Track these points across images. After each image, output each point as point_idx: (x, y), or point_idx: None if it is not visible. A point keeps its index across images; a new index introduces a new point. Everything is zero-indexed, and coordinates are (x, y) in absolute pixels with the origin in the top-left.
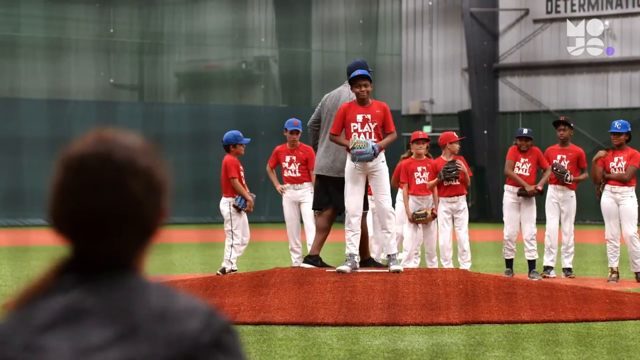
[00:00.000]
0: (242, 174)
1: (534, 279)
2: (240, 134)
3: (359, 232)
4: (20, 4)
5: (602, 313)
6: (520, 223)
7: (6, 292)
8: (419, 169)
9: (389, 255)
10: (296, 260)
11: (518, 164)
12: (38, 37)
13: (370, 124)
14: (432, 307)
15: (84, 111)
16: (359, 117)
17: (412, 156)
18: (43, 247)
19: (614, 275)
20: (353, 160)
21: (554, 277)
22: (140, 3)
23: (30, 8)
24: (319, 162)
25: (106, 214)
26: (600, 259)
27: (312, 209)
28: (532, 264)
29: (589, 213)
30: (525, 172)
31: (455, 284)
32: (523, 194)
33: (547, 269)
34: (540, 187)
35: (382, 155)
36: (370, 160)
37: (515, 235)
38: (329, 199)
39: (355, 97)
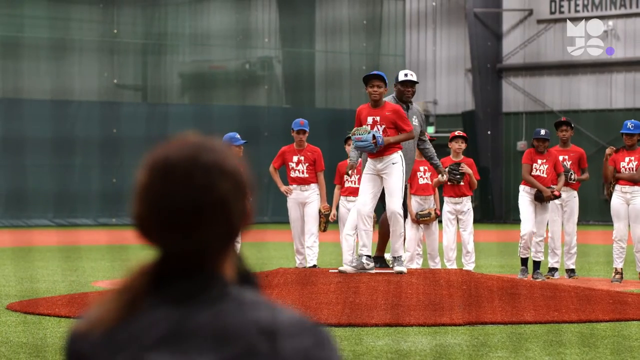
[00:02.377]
0: None
1: (537, 279)
2: (237, 135)
3: (369, 229)
4: (24, 4)
5: (605, 314)
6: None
7: (9, 293)
8: (422, 169)
9: (394, 257)
10: (300, 261)
11: (535, 165)
12: (41, 38)
13: (379, 126)
14: (436, 308)
15: (88, 112)
16: (369, 119)
17: (416, 156)
18: (46, 248)
19: (617, 276)
20: (355, 148)
21: (558, 279)
22: (144, 3)
23: (33, 9)
24: None
25: (194, 215)
26: (603, 260)
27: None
28: (537, 264)
29: (591, 213)
30: (543, 173)
31: (459, 285)
32: (540, 198)
33: (552, 270)
34: (557, 192)
35: (394, 157)
36: (371, 151)
37: (532, 234)
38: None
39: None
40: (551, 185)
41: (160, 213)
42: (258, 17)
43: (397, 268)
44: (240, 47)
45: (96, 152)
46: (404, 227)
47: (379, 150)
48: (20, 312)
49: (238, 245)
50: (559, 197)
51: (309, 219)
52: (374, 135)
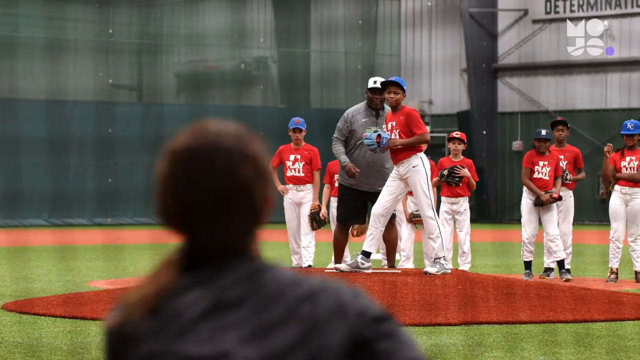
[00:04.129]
0: None
1: (568, 279)
2: None
3: (375, 232)
4: (19, 4)
5: (600, 313)
6: (538, 225)
7: (5, 293)
8: None
9: (434, 259)
10: (297, 261)
11: (537, 167)
12: (37, 38)
13: (395, 130)
14: (431, 308)
15: (83, 112)
16: (389, 125)
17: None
18: (41, 248)
19: (612, 276)
20: (365, 145)
21: (554, 278)
22: (140, 3)
23: (29, 8)
24: None
25: (219, 200)
26: (599, 260)
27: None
28: (560, 264)
29: (587, 213)
30: (545, 175)
31: (454, 285)
32: (539, 203)
33: (547, 270)
34: (556, 195)
35: (413, 160)
36: (375, 150)
37: (534, 237)
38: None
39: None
40: (550, 190)
41: (185, 202)
42: (253, 17)
43: (430, 269)
44: (235, 47)
45: (91, 152)
46: (438, 228)
47: (397, 154)
48: (15, 312)
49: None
50: (558, 199)
51: (305, 219)
52: (379, 134)
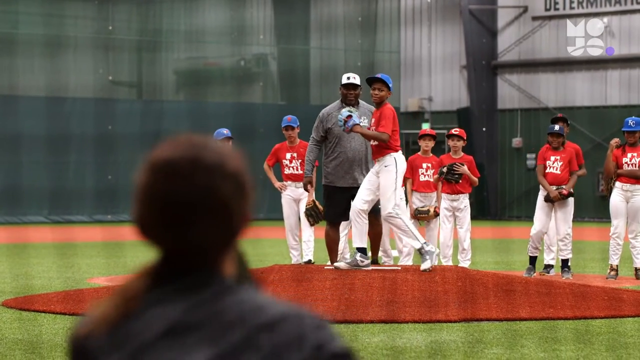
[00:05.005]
0: None
1: (567, 278)
2: (221, 131)
3: (359, 226)
4: (19, 1)
5: (600, 310)
6: (548, 222)
7: (5, 290)
8: (424, 165)
9: (420, 252)
10: (297, 258)
11: (549, 162)
12: (36, 35)
13: (372, 127)
14: (431, 305)
15: (83, 108)
16: (373, 120)
17: (419, 152)
18: (41, 245)
19: (612, 273)
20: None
21: (553, 275)
22: (139, 0)
23: (28, 5)
24: None
25: (196, 215)
26: (598, 257)
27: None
28: (565, 262)
29: (587, 210)
30: (557, 170)
31: (454, 282)
32: (549, 199)
33: (547, 267)
34: (565, 192)
35: (386, 160)
36: (341, 127)
37: (542, 234)
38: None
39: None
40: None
41: (162, 213)
42: (253, 13)
43: (423, 266)
44: (235, 44)
45: (91, 148)
46: (403, 221)
47: (374, 150)
48: (15, 308)
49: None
50: (568, 196)
51: (303, 215)
52: (350, 115)
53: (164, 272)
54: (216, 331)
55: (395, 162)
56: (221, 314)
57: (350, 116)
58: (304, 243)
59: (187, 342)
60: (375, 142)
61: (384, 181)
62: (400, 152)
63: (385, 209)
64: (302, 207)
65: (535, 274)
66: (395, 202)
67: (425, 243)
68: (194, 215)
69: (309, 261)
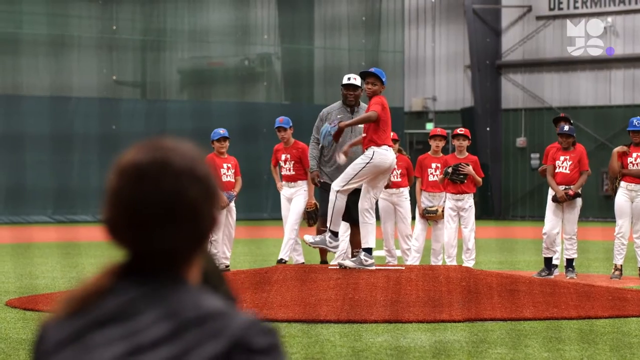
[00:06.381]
0: (222, 171)
1: (572, 277)
2: (218, 131)
3: (368, 226)
4: (23, 1)
5: (604, 310)
6: (558, 222)
7: (9, 289)
8: (433, 165)
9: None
10: (297, 257)
11: (558, 162)
12: (40, 34)
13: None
14: (435, 304)
15: (87, 108)
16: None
17: (429, 152)
18: (45, 244)
19: (617, 273)
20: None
21: (557, 275)
22: (143, 0)
23: (32, 5)
24: None
25: (163, 219)
26: (602, 256)
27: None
28: (570, 262)
29: (591, 210)
30: (566, 169)
31: (458, 281)
32: (556, 200)
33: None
34: (571, 192)
35: (369, 151)
36: (329, 137)
37: (554, 235)
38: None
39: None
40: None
41: (130, 217)
42: (257, 13)
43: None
44: (239, 44)
45: (95, 148)
46: (336, 207)
47: (364, 144)
48: (19, 308)
49: (209, 245)
50: (574, 196)
51: (292, 213)
52: (327, 127)
53: (129, 272)
54: (140, 323)
55: (372, 155)
56: (175, 315)
57: (328, 130)
58: (283, 241)
59: (137, 322)
60: (365, 134)
61: (353, 163)
62: (385, 147)
63: (336, 184)
64: (293, 206)
65: (558, 273)
66: (346, 186)
67: (333, 235)
68: (161, 219)
69: (281, 260)
